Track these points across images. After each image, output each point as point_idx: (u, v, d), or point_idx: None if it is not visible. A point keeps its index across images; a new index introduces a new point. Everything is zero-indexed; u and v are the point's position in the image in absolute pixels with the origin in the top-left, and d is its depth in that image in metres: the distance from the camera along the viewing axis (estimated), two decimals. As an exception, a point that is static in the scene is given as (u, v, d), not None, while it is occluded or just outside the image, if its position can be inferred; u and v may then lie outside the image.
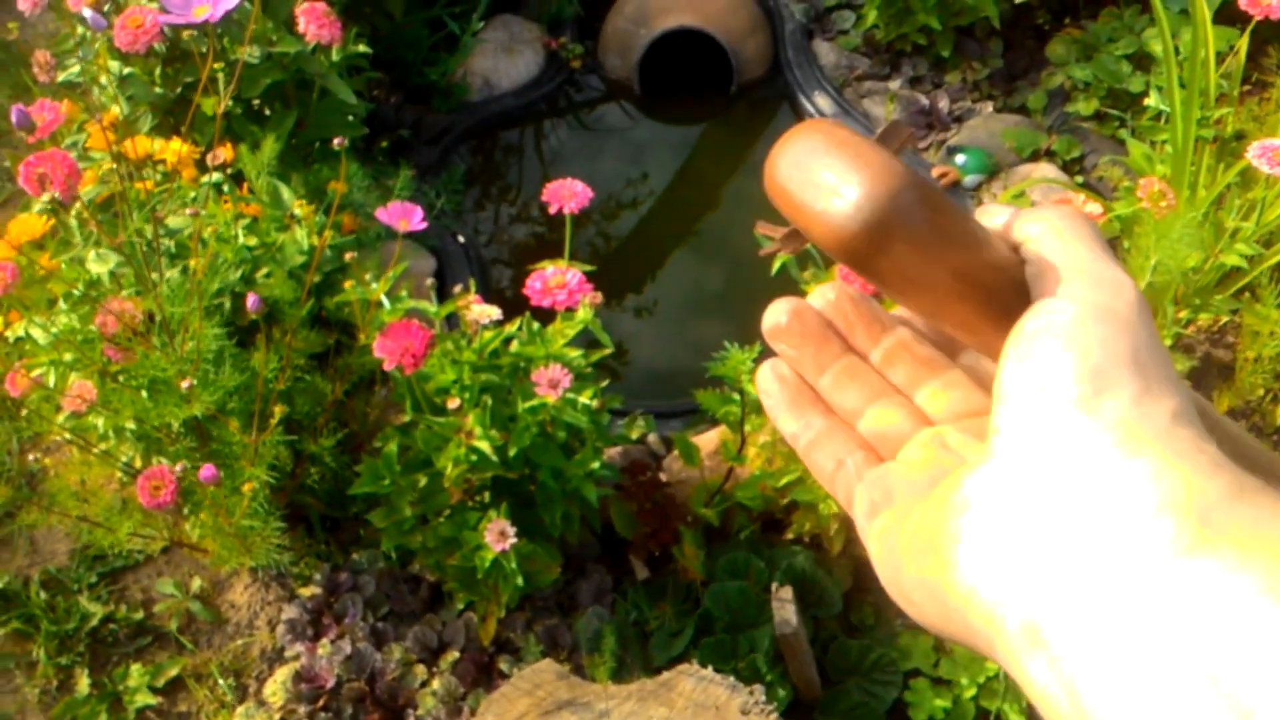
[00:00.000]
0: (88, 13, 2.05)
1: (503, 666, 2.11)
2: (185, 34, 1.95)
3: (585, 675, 2.03)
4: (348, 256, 2.05)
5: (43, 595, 2.33)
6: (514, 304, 2.10)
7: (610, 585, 2.26)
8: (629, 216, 3.43)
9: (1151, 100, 3.17)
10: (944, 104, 3.48)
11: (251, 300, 1.83)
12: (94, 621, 2.30)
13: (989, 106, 3.50)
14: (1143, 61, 3.38)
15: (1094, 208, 2.00)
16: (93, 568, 2.39)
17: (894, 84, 3.60)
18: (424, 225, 1.95)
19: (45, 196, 1.60)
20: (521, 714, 1.69)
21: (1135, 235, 2.04)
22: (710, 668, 1.73)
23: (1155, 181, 2.04)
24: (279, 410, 1.90)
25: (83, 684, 2.22)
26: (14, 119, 1.69)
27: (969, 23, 3.55)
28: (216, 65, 1.91)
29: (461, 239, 3.16)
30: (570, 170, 2.03)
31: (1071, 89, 3.44)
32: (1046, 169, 3.21)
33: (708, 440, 2.43)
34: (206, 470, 1.75)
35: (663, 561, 2.33)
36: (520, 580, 2.01)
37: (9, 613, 2.32)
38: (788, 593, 1.96)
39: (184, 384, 1.82)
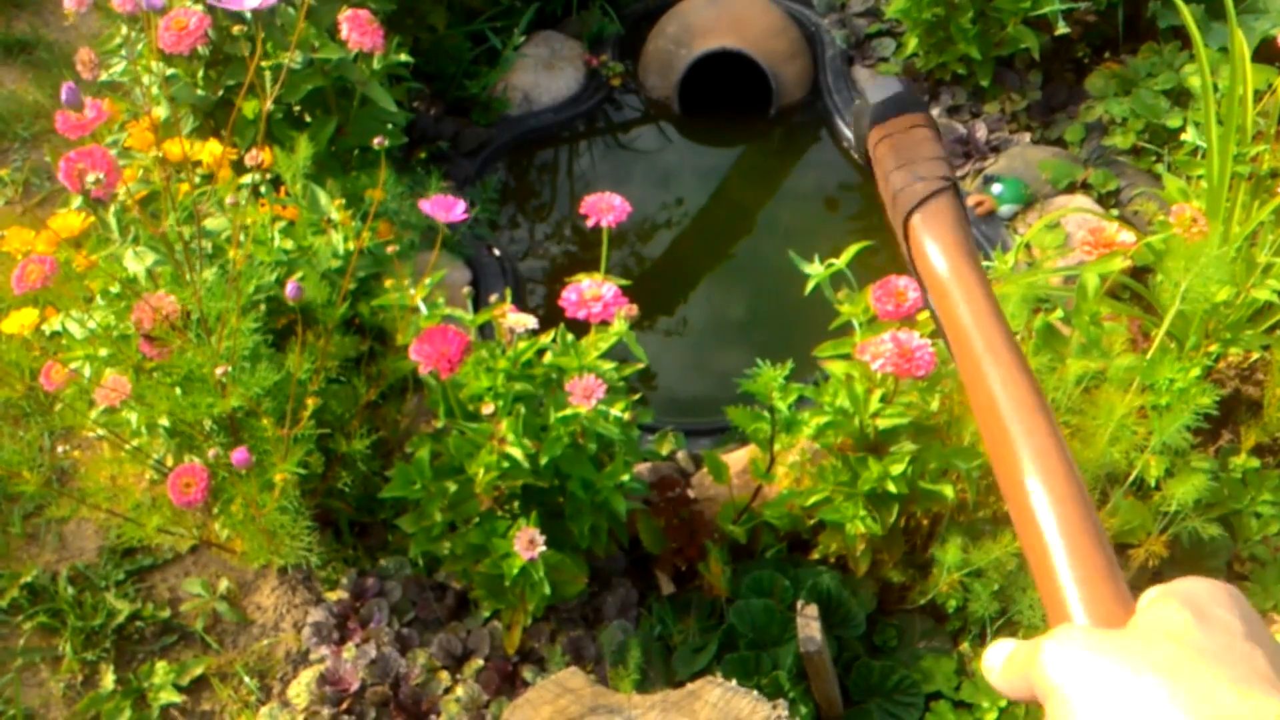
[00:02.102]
0: None
1: (527, 676, 2.11)
2: (235, 29, 1.97)
3: (609, 687, 2.03)
4: (390, 249, 2.06)
5: (70, 590, 2.35)
6: (546, 319, 2.11)
7: (636, 599, 2.26)
8: (664, 236, 3.44)
9: (1188, 136, 3.17)
10: (982, 133, 3.48)
11: (291, 287, 1.85)
12: (120, 618, 2.31)
13: (1026, 137, 3.50)
14: (1181, 97, 3.38)
15: (1127, 237, 2.00)
16: (120, 565, 2.40)
17: (932, 112, 3.60)
18: (465, 217, 1.97)
19: (90, 178, 1.62)
20: (545, 720, 1.69)
21: (1166, 263, 2.04)
22: (735, 682, 1.73)
23: (1188, 207, 2.03)
24: (311, 403, 1.91)
25: (108, 680, 2.23)
26: (64, 96, 1.70)
27: (1009, 54, 3.55)
28: (264, 64, 1.92)
29: (497, 252, 3.18)
30: (606, 188, 2.04)
31: (1109, 122, 3.43)
32: (1082, 201, 3.21)
33: (737, 458, 2.43)
34: (239, 454, 1.76)
35: (688, 577, 2.32)
36: (547, 589, 2.01)
37: (36, 607, 2.33)
38: (813, 610, 1.96)
39: (219, 371, 1.83)
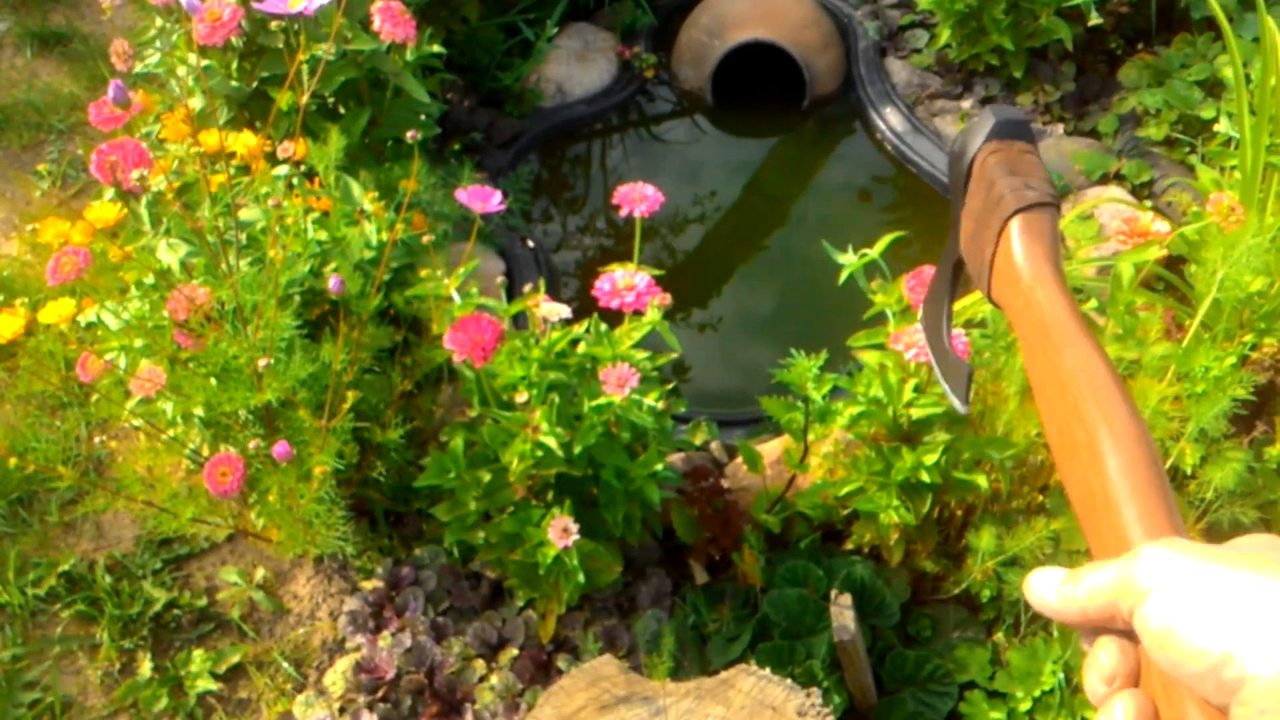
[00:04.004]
0: (184, -1, 2.08)
1: (561, 665, 2.11)
2: (273, 25, 1.98)
3: (643, 675, 2.03)
4: (425, 239, 2.07)
5: (108, 579, 2.37)
6: (580, 310, 2.12)
7: (670, 589, 2.27)
8: (696, 228, 3.44)
9: (1222, 126, 3.15)
10: (1014, 124, 3.46)
11: (334, 282, 1.86)
12: (157, 607, 2.33)
13: (1060, 129, 3.48)
14: (1214, 88, 3.36)
15: (1162, 226, 2.00)
16: (157, 554, 2.42)
17: (966, 103, 3.59)
18: (502, 207, 1.98)
19: (135, 175, 1.63)
20: (580, 707, 1.70)
21: (1201, 253, 2.03)
22: (769, 670, 1.74)
23: (1225, 196, 2.02)
24: (351, 395, 1.93)
25: (145, 667, 2.25)
26: (110, 93, 1.72)
27: (1042, 45, 3.54)
28: (302, 58, 1.93)
29: (530, 243, 3.19)
30: (639, 180, 2.04)
31: (1143, 114, 3.41)
32: (1115, 192, 3.19)
33: (771, 448, 2.43)
34: (281, 447, 1.77)
35: (722, 567, 2.33)
36: (581, 578, 2.02)
37: (74, 595, 2.36)
38: (847, 600, 1.96)
39: (261, 363, 1.84)
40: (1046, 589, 0.58)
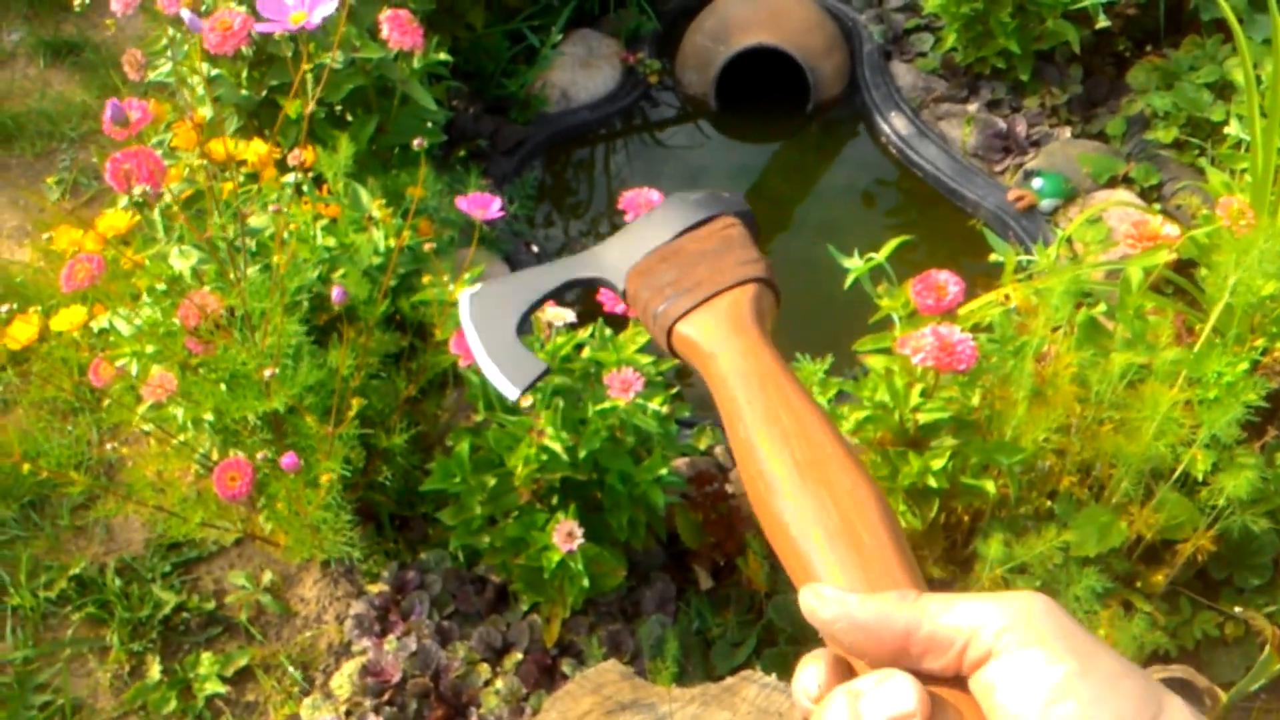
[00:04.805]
0: (186, 14, 2.09)
1: (565, 669, 2.12)
2: (278, 35, 1.99)
3: (647, 680, 2.04)
4: (427, 247, 2.07)
5: (118, 582, 2.38)
6: (585, 316, 2.12)
7: (674, 593, 2.27)
8: (701, 232, 3.43)
9: (1232, 129, 3.15)
10: (1021, 128, 3.47)
11: (337, 292, 1.87)
12: (167, 610, 2.34)
13: (1067, 132, 3.48)
14: (1224, 90, 3.36)
15: (1171, 230, 1.99)
16: (167, 557, 2.43)
17: (971, 106, 3.59)
18: (502, 215, 1.98)
19: (137, 190, 1.64)
20: (585, 712, 1.70)
21: (1213, 257, 2.03)
22: (775, 677, 1.74)
23: (1236, 200, 2.02)
24: (356, 403, 1.93)
25: (154, 670, 2.26)
26: (108, 113, 1.72)
27: (1049, 48, 3.54)
28: (306, 65, 1.94)
29: (535, 248, 3.19)
30: (643, 185, 2.05)
31: (1151, 116, 3.41)
32: (1124, 195, 3.19)
33: (776, 453, 2.43)
34: (288, 458, 1.78)
35: (726, 572, 2.33)
36: (586, 582, 2.02)
37: (85, 598, 2.37)
38: (853, 605, 1.96)
39: (266, 373, 1.85)
40: (852, 604, 0.53)
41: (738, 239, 0.81)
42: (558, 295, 0.85)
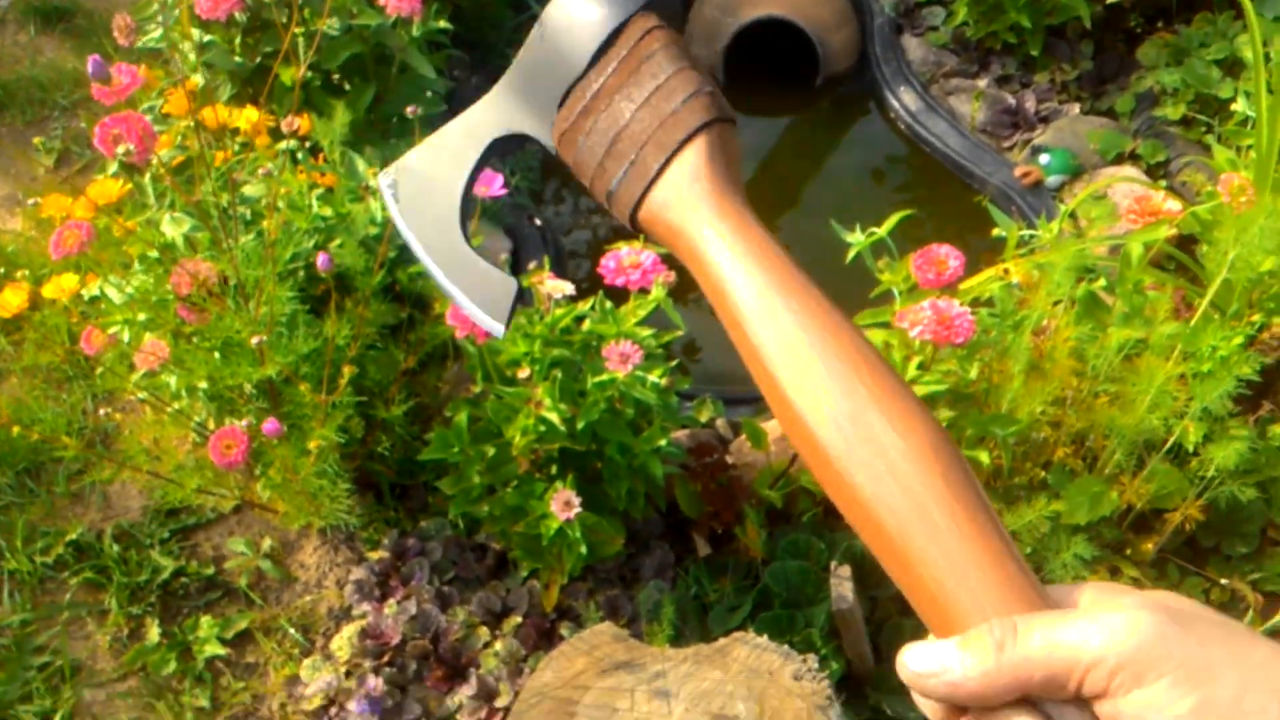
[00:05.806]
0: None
1: (564, 632, 2.13)
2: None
3: (643, 642, 2.05)
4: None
5: (115, 548, 2.39)
6: (589, 291, 2.13)
7: (672, 561, 2.28)
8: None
9: (1239, 105, 3.13)
10: (1030, 104, 3.45)
11: (322, 259, 1.87)
12: (165, 575, 2.35)
13: (1076, 108, 3.47)
14: (1234, 67, 3.34)
15: (1173, 206, 1.99)
16: (165, 524, 2.44)
17: (981, 82, 3.58)
18: (503, 192, 1.98)
19: (120, 150, 1.64)
20: (579, 672, 1.71)
21: (1213, 233, 2.02)
22: (766, 638, 1.75)
23: (1236, 176, 2.01)
24: (348, 370, 1.93)
25: (153, 633, 2.27)
26: (90, 69, 1.72)
27: (1060, 23, 3.52)
28: (297, 30, 1.93)
29: (538, 221, 3.19)
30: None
31: (1160, 93, 3.39)
32: (1130, 171, 3.18)
33: (775, 425, 2.43)
34: (270, 424, 1.79)
35: (725, 540, 2.34)
36: (584, 549, 2.03)
37: (82, 564, 2.38)
38: (846, 570, 1.97)
39: (254, 340, 1.85)
40: (949, 663, 0.51)
41: (665, 57, 0.66)
42: (486, 164, 0.72)
